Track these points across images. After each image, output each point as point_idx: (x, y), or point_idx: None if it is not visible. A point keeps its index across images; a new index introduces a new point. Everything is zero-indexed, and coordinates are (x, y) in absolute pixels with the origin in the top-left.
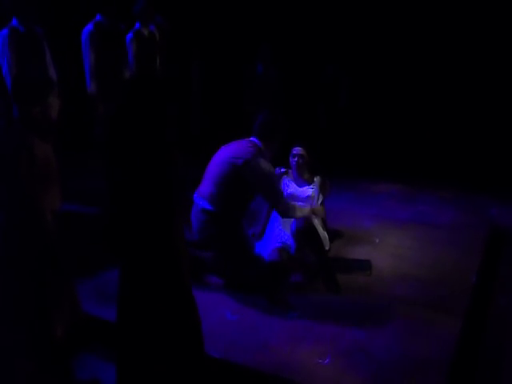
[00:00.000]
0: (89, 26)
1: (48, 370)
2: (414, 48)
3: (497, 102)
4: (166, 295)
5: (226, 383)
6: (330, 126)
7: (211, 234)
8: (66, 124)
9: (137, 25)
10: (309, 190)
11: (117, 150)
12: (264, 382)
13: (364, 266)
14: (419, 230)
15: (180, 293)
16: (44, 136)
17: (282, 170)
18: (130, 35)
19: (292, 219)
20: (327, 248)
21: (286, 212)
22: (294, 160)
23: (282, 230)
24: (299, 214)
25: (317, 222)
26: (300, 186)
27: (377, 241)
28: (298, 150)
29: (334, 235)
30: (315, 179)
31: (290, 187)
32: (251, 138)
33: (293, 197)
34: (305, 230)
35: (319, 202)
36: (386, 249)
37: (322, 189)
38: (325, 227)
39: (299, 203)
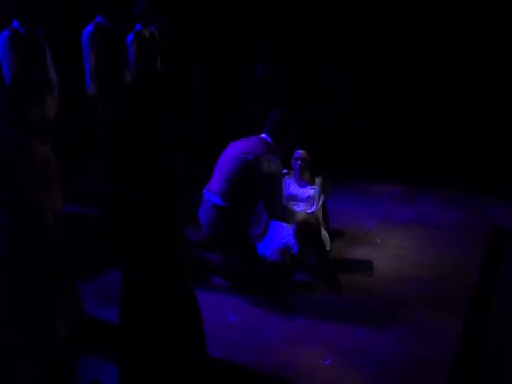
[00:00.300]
0: (89, 27)
1: (50, 372)
2: (415, 48)
3: (497, 102)
4: (169, 296)
5: None
6: (330, 127)
7: (220, 229)
8: (66, 125)
9: (137, 26)
10: (310, 191)
11: (119, 151)
12: (265, 383)
13: (365, 266)
14: (420, 231)
15: (182, 294)
16: (42, 137)
17: (285, 171)
18: (130, 36)
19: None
20: (328, 248)
21: (279, 216)
22: (296, 163)
23: (284, 231)
24: (291, 220)
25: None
26: (301, 186)
27: (378, 241)
28: (300, 153)
29: (334, 235)
30: (316, 180)
31: (292, 188)
32: (262, 135)
33: (294, 197)
34: (307, 231)
35: (320, 202)
36: (388, 249)
37: (323, 190)
38: (326, 227)
39: (300, 204)
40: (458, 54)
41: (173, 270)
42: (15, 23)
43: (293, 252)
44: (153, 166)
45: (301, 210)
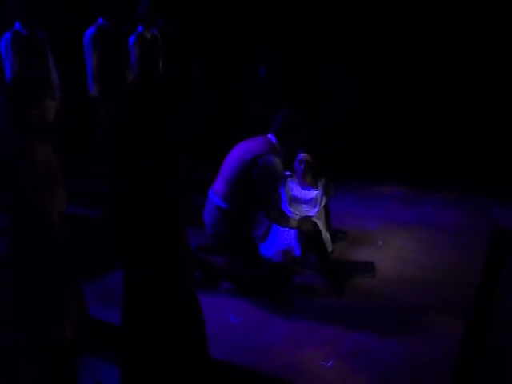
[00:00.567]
0: (91, 29)
1: (51, 372)
2: (417, 50)
3: (499, 103)
4: (170, 297)
5: None
6: (332, 129)
7: (222, 231)
8: (68, 127)
9: (139, 28)
10: (313, 193)
11: (120, 152)
12: None
13: (367, 268)
14: (422, 232)
15: (184, 295)
16: (42, 138)
17: (288, 173)
18: (132, 38)
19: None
20: (330, 250)
21: (276, 218)
22: (299, 166)
23: (287, 232)
24: (288, 224)
25: (320, 224)
26: (304, 189)
27: (380, 243)
28: (302, 155)
29: (336, 236)
30: (319, 182)
31: (295, 190)
32: (268, 135)
33: (297, 199)
34: (309, 232)
35: (322, 204)
36: (390, 251)
37: (326, 192)
38: (328, 229)
39: (303, 205)
40: (459, 55)
41: (174, 270)
42: (17, 25)
43: (295, 253)
44: (154, 166)
45: (303, 211)
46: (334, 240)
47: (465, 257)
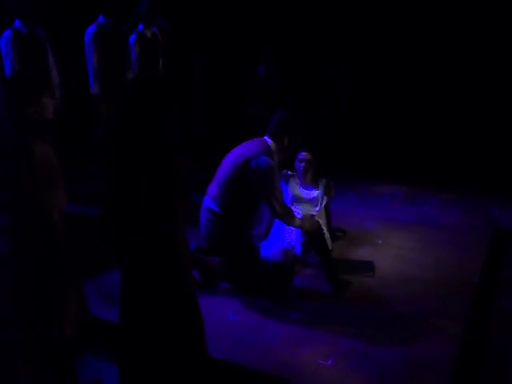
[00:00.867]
0: (92, 28)
1: (51, 371)
2: (417, 50)
3: (498, 103)
4: (169, 296)
5: None
6: (332, 128)
7: (215, 233)
8: (68, 125)
9: (140, 26)
10: (314, 192)
11: (119, 151)
12: (266, 383)
13: (367, 267)
14: (422, 232)
15: (182, 294)
16: (41, 136)
17: (289, 172)
18: (133, 37)
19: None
20: (330, 249)
21: (283, 215)
22: (300, 165)
23: (287, 231)
24: (293, 222)
25: (322, 223)
26: (305, 188)
27: (380, 242)
28: (304, 154)
29: (335, 235)
30: (320, 182)
31: (296, 189)
32: (264, 137)
33: (298, 199)
34: (312, 231)
35: (323, 203)
36: (389, 250)
37: (327, 191)
38: (328, 229)
39: (304, 205)
40: (460, 56)
41: (173, 269)
42: (17, 23)
43: (295, 252)
44: (152, 165)
45: (305, 210)
46: (333, 239)
47: (464, 256)
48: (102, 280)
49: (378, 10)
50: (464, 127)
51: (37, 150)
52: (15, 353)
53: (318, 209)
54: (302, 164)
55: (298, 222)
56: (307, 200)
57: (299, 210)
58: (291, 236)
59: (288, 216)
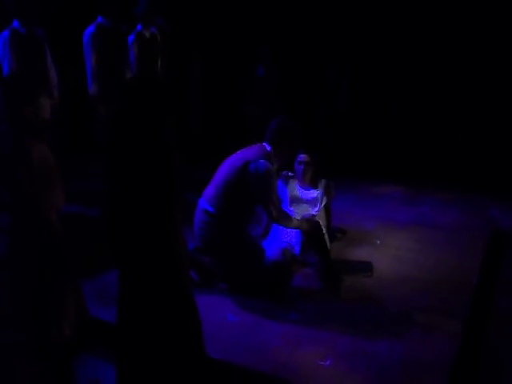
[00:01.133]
0: (90, 28)
1: (49, 371)
2: (416, 50)
3: (497, 103)
4: (166, 296)
5: None
6: (330, 129)
7: (209, 235)
8: (66, 125)
9: (138, 27)
10: (313, 193)
11: (117, 151)
12: (265, 383)
13: (365, 267)
14: (420, 232)
15: (180, 294)
16: (39, 136)
17: (289, 174)
18: (131, 37)
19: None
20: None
21: (279, 219)
22: (299, 166)
23: (287, 230)
24: (290, 224)
25: (321, 223)
26: (305, 189)
27: (378, 242)
28: (302, 156)
29: (334, 236)
30: (319, 182)
31: (295, 190)
32: (263, 143)
33: (298, 200)
34: (312, 231)
35: (323, 204)
36: (387, 250)
37: (326, 192)
38: (328, 229)
39: (304, 205)
40: (458, 55)
41: (171, 270)
42: (16, 23)
43: (294, 252)
44: (150, 165)
45: (304, 211)
46: (331, 239)
47: (462, 256)
48: (101, 280)
49: (375, 10)
50: (462, 127)
51: (34, 150)
52: (14, 353)
53: (317, 209)
54: (301, 166)
55: (295, 223)
56: (306, 201)
57: (298, 211)
58: (290, 236)
59: (285, 219)
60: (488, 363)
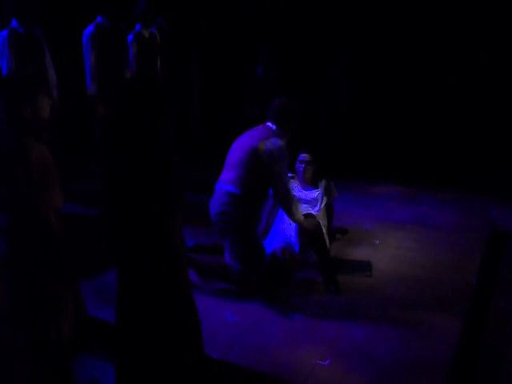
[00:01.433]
0: (90, 28)
1: (48, 371)
2: (414, 50)
3: (496, 104)
4: (165, 296)
5: None
6: (329, 128)
7: (231, 214)
8: (65, 125)
9: (137, 26)
10: (314, 193)
11: (115, 151)
12: (264, 383)
13: (364, 267)
14: (419, 232)
15: (179, 294)
16: (37, 136)
17: (289, 174)
18: (130, 37)
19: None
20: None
21: (286, 199)
22: (300, 166)
23: (287, 229)
24: (294, 211)
25: (321, 223)
26: (306, 189)
27: (377, 242)
28: (304, 156)
29: (334, 237)
30: (320, 183)
31: (296, 190)
32: (266, 124)
33: (298, 199)
34: (312, 230)
35: (323, 204)
36: (387, 250)
37: (327, 192)
38: (329, 229)
39: (304, 205)
40: (457, 55)
41: (170, 270)
42: (14, 23)
43: (294, 251)
44: (148, 165)
45: (304, 211)
46: (331, 240)
47: (461, 257)
48: (99, 280)
49: (375, 10)
50: (462, 128)
51: (33, 150)
52: (12, 353)
53: (317, 209)
54: (302, 165)
55: (299, 215)
56: (307, 201)
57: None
58: (290, 235)
59: (291, 203)
60: (487, 363)
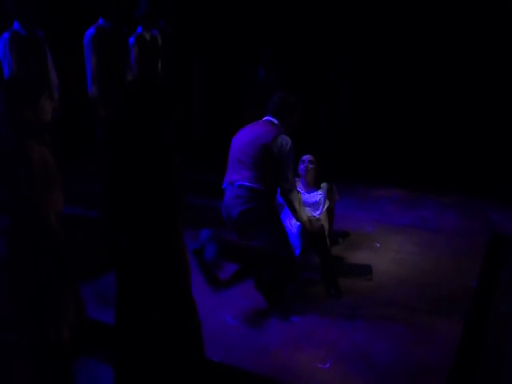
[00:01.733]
0: (91, 30)
1: (48, 374)
2: (417, 53)
3: (497, 108)
4: (166, 298)
5: None
6: (331, 131)
7: (254, 206)
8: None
9: (139, 29)
10: (316, 196)
11: (117, 153)
12: None
13: (365, 270)
14: (420, 235)
15: (180, 296)
16: (39, 138)
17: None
18: (132, 39)
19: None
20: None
21: (290, 192)
22: (303, 167)
23: (288, 232)
24: (298, 208)
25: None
26: (308, 192)
27: (378, 246)
28: (307, 157)
29: (335, 241)
30: (322, 186)
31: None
32: (266, 118)
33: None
34: (315, 233)
35: (325, 207)
36: (387, 254)
37: (329, 195)
38: (330, 232)
39: (307, 209)
40: (459, 59)
41: (170, 272)
42: (16, 25)
43: (295, 254)
44: (150, 167)
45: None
46: (332, 243)
47: (462, 260)
48: (100, 282)
49: (376, 12)
50: (462, 131)
51: (35, 152)
52: (12, 355)
53: (319, 212)
54: (305, 165)
55: (303, 213)
56: (309, 204)
57: None
58: (291, 238)
59: (295, 200)
60: (487, 366)
